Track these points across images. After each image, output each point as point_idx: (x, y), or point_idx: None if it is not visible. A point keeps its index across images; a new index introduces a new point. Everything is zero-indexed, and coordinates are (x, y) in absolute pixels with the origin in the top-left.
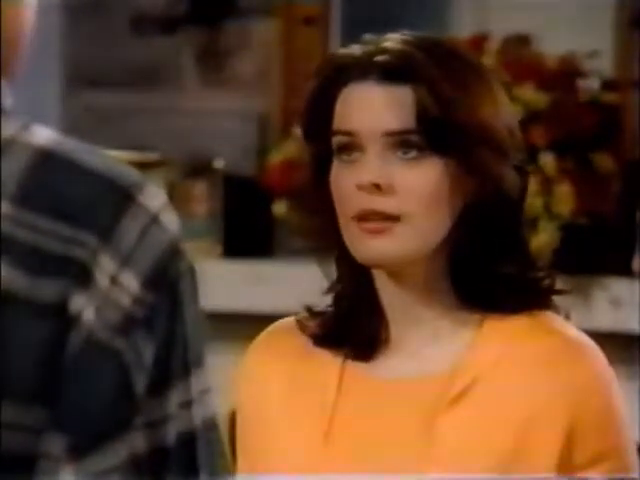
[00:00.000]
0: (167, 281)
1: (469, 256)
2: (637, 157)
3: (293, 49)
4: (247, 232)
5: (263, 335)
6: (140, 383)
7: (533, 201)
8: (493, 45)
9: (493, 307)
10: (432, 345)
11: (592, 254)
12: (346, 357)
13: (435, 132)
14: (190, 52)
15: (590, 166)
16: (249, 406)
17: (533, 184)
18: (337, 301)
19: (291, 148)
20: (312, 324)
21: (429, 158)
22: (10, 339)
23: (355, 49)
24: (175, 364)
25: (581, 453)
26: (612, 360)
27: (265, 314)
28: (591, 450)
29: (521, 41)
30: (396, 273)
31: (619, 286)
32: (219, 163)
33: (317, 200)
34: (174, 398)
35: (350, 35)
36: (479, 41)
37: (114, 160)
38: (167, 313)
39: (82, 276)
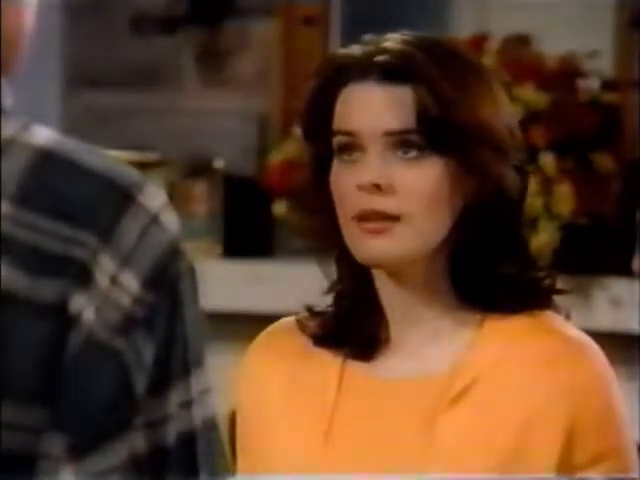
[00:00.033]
0: (167, 281)
1: (469, 256)
2: (637, 157)
3: (293, 49)
4: (247, 232)
5: (263, 335)
6: (140, 383)
7: (533, 201)
8: (493, 45)
9: (493, 307)
10: (432, 345)
11: (592, 254)
12: (346, 357)
13: (435, 132)
14: (190, 52)
15: (590, 166)
16: (249, 406)
17: (533, 184)
18: (337, 301)
19: (291, 148)
20: (312, 324)
21: (429, 158)
22: (10, 339)
23: (355, 49)
24: (175, 364)
25: (581, 453)
26: (612, 360)
27: (265, 314)
28: (591, 450)
29: (521, 41)
30: (396, 273)
31: (619, 286)
32: (219, 163)
33: (317, 200)
34: (174, 398)
35: (350, 35)
36: (479, 41)
37: (114, 160)
38: (167, 313)
39: (82, 276)
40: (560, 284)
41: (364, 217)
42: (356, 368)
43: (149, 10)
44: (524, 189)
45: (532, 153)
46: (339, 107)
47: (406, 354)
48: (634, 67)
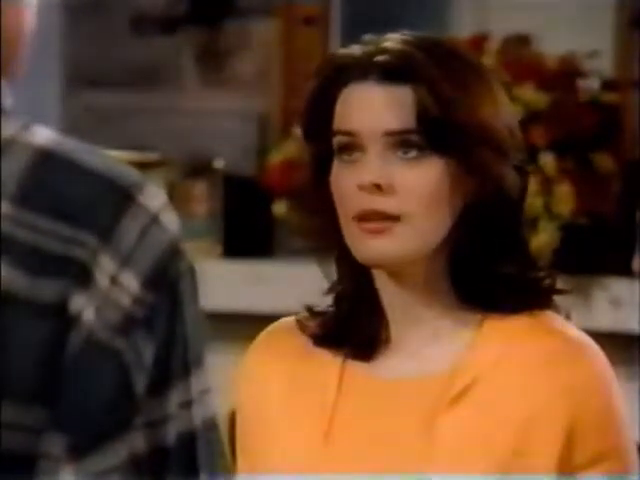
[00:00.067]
0: (167, 281)
1: (469, 256)
2: (637, 157)
3: (293, 49)
4: (247, 232)
5: (263, 335)
6: (140, 383)
7: (533, 201)
8: (493, 45)
9: (493, 307)
10: (432, 345)
11: (592, 254)
12: (346, 357)
13: (435, 132)
14: (190, 52)
15: (590, 166)
16: (249, 406)
17: (533, 184)
18: (337, 301)
19: (291, 148)
20: (312, 324)
21: (429, 158)
22: (10, 339)
23: (355, 49)
24: (175, 364)
25: (581, 453)
26: (612, 360)
27: (265, 314)
28: (591, 450)
29: (521, 41)
30: (396, 273)
31: (619, 286)
32: (219, 163)
33: (317, 200)
34: (174, 398)
35: (350, 35)
36: (479, 41)
37: (114, 160)
38: (167, 313)
39: (82, 276)
40: (560, 284)
41: (364, 217)
42: (356, 368)
43: (149, 10)
44: (524, 189)
45: (532, 153)
46: (339, 107)
47: (406, 354)
48: (634, 67)
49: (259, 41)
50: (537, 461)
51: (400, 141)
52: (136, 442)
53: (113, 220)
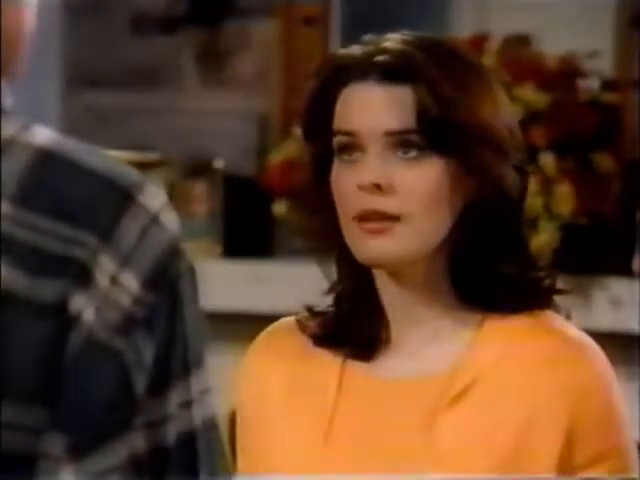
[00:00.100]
0: (167, 281)
1: (469, 256)
2: (637, 157)
3: (293, 49)
4: (247, 232)
5: (263, 335)
6: (140, 383)
7: (533, 201)
8: (493, 45)
9: (493, 307)
10: (432, 345)
11: (592, 254)
12: (346, 357)
13: (435, 132)
14: (190, 52)
15: (590, 166)
16: (249, 406)
17: (533, 184)
18: (337, 301)
19: (291, 148)
20: (312, 324)
21: (429, 158)
22: (10, 339)
23: (355, 49)
24: (175, 364)
25: (581, 453)
26: (612, 360)
27: (265, 314)
28: (591, 450)
29: (521, 41)
30: (396, 273)
31: (619, 286)
32: (219, 163)
33: (317, 200)
34: (174, 398)
35: (350, 35)
36: (479, 41)
37: (114, 160)
38: (167, 313)
39: (82, 276)
40: (560, 284)
41: (364, 217)
42: (356, 368)
43: (149, 10)
44: (524, 189)
45: (532, 153)
46: (339, 107)
47: (406, 354)
48: (634, 67)
49: (259, 41)
50: (537, 461)
51: (400, 141)
52: (136, 442)
53: (113, 220)
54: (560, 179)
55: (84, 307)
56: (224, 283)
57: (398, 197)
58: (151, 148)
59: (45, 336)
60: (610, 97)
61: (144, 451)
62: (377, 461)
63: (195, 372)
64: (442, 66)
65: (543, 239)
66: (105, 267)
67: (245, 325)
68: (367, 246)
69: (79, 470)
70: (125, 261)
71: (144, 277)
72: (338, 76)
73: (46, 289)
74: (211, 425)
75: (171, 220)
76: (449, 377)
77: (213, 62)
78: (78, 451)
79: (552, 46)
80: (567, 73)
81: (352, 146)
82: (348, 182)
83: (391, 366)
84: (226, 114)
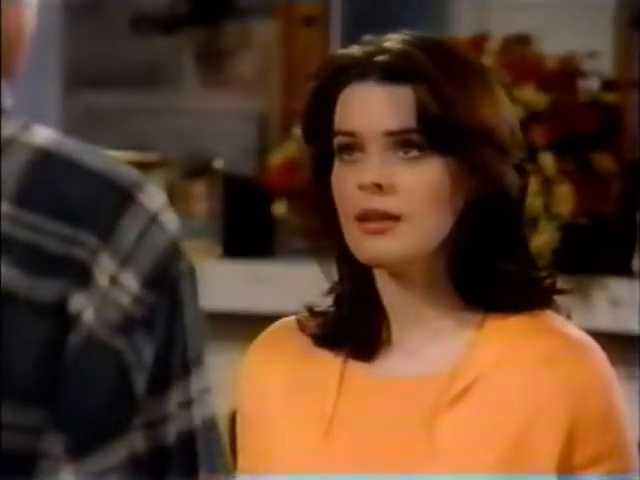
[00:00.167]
0: (167, 281)
1: (470, 255)
2: (637, 157)
3: (293, 49)
4: (247, 232)
5: (263, 335)
6: (140, 383)
7: (533, 201)
8: (493, 45)
9: (494, 306)
10: (433, 344)
11: (592, 254)
12: (347, 357)
13: (435, 131)
14: (190, 52)
15: (590, 166)
16: (249, 406)
17: (533, 184)
18: (338, 301)
19: (291, 148)
20: (312, 324)
21: (430, 157)
22: (10, 339)
23: (355, 49)
24: (175, 364)
25: (581, 453)
26: (612, 360)
27: (265, 314)
28: (591, 450)
29: (521, 41)
30: (397, 273)
31: (619, 286)
32: (219, 163)
33: (318, 200)
34: (174, 398)
35: (350, 35)
36: (479, 41)
37: (114, 160)
38: (167, 313)
39: (82, 276)
40: (560, 284)
41: (365, 217)
42: (356, 368)
43: (149, 10)
44: (525, 188)
45: (532, 153)
46: (339, 108)
47: (407, 354)
48: (634, 67)
49: (259, 41)
50: (537, 461)
51: (400, 141)
52: (136, 442)
53: (113, 220)
54: (560, 179)
55: (84, 307)
56: (224, 283)
57: (399, 197)
58: (151, 148)
59: (45, 336)
60: (610, 97)
61: (144, 451)
62: (377, 461)
63: (195, 372)
64: (442, 66)
65: (543, 239)
66: (105, 267)
67: (245, 325)
68: (368, 246)
69: (79, 470)
70: (125, 261)
71: (144, 277)
72: (338, 76)
73: (46, 289)
74: (211, 425)
75: (171, 220)
76: (449, 377)
77: (213, 62)
78: (78, 451)
79: (552, 46)
80: (567, 73)
81: (352, 146)
82: (349, 182)
83: (391, 366)
84: (226, 114)
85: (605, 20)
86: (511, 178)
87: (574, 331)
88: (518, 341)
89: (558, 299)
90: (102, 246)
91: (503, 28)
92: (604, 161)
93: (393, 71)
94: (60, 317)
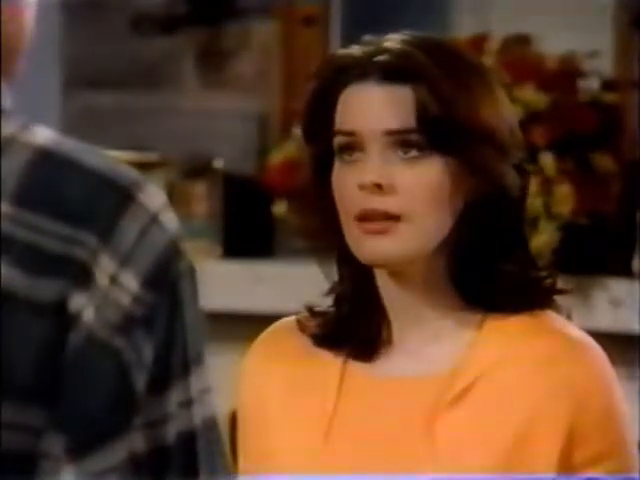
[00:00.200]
0: (167, 281)
1: (470, 255)
2: (637, 157)
3: (293, 49)
4: (247, 232)
5: (264, 335)
6: (140, 382)
7: (533, 201)
8: (493, 45)
9: (494, 306)
10: (433, 344)
11: (592, 254)
12: (347, 357)
13: (435, 131)
14: (190, 52)
15: (590, 166)
16: (250, 406)
17: (533, 184)
18: (338, 301)
19: (291, 148)
20: (313, 324)
21: (430, 157)
22: (10, 339)
23: (355, 50)
24: (175, 363)
25: (581, 453)
26: (612, 360)
27: (265, 314)
28: (591, 450)
29: (521, 41)
30: (397, 272)
31: (619, 286)
32: (219, 163)
33: (318, 200)
34: (174, 397)
35: (350, 35)
36: (479, 41)
37: (114, 160)
38: (167, 313)
39: (82, 276)
40: (560, 284)
41: (365, 217)
42: (357, 368)
43: (149, 10)
44: (525, 188)
45: (532, 153)
46: (339, 108)
47: (407, 354)
48: (634, 67)
49: (259, 41)
50: (537, 461)
51: (400, 141)
52: (136, 442)
53: (113, 219)
54: (560, 179)
55: (84, 306)
56: (224, 283)
57: (399, 197)
58: (151, 148)
59: (45, 336)
60: (610, 97)
61: (144, 451)
62: (377, 461)
63: (195, 371)
64: (442, 66)
65: (543, 239)
66: (105, 266)
67: (245, 325)
68: (368, 246)
69: (79, 470)
70: (125, 260)
71: (144, 277)
72: (338, 77)
73: (46, 288)
74: (211, 425)
75: (171, 220)
76: (450, 377)
77: (213, 62)
78: (78, 451)
79: (552, 46)
80: (567, 73)
81: (352, 146)
82: (349, 182)
83: (392, 366)
84: (226, 114)
85: (605, 20)
86: (511, 178)
87: (574, 331)
88: (518, 341)
89: (558, 299)
90: (102, 246)
91: (503, 28)
92: (604, 161)
93: (393, 71)
94: (60, 317)
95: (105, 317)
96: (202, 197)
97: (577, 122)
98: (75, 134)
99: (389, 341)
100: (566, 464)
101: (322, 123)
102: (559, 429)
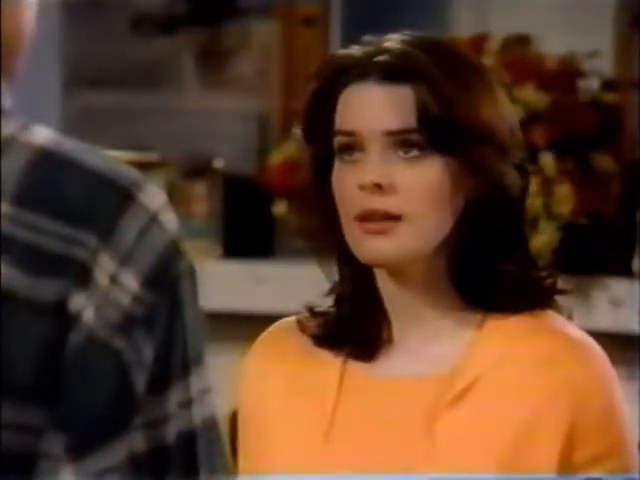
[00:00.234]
0: (167, 281)
1: (470, 255)
2: (637, 157)
3: (293, 49)
4: (247, 232)
5: (264, 335)
6: (140, 382)
7: (533, 201)
8: (493, 45)
9: (495, 306)
10: (433, 344)
11: (592, 254)
12: (347, 357)
13: (436, 131)
14: (190, 52)
15: (590, 166)
16: (250, 406)
17: (533, 184)
18: (338, 301)
19: (291, 148)
20: (313, 324)
21: (430, 157)
22: (10, 339)
23: (355, 50)
24: (175, 363)
25: (582, 453)
26: (612, 360)
27: (265, 314)
28: (592, 450)
29: (521, 41)
30: (398, 272)
31: (619, 286)
32: (219, 163)
33: (318, 200)
34: (174, 397)
35: (350, 35)
36: (479, 41)
37: (114, 160)
38: (167, 312)
39: (82, 275)
40: (560, 284)
41: (365, 217)
42: (357, 368)
43: (149, 10)
44: (525, 188)
45: (532, 153)
46: (340, 108)
47: (407, 354)
48: (634, 67)
49: (259, 41)
50: (538, 461)
51: (401, 141)
52: (136, 442)
53: (113, 219)
54: (560, 179)
55: (84, 306)
56: (224, 283)
57: (399, 197)
58: (151, 148)
59: (45, 335)
60: (610, 97)
61: (144, 451)
62: (377, 461)
63: (195, 371)
64: (442, 66)
65: (543, 239)
66: (105, 266)
67: (245, 325)
68: (368, 246)
69: (79, 470)
70: (125, 260)
71: (144, 276)
72: (338, 77)
73: (46, 288)
74: (211, 424)
75: (171, 220)
76: (450, 377)
77: (213, 62)
78: (78, 451)
79: (552, 46)
80: (567, 73)
81: (353, 146)
82: (349, 182)
83: (392, 366)
84: (226, 114)
85: (605, 20)
86: (511, 178)
87: (574, 331)
88: (518, 341)
89: (558, 299)
90: (102, 246)
91: (503, 28)
92: (604, 161)
93: (393, 71)
94: (60, 317)
95: (105, 317)
96: (202, 197)
97: (577, 122)
98: (75, 134)
99: (389, 341)
100: (566, 464)
101: (322, 123)
102: (559, 429)
